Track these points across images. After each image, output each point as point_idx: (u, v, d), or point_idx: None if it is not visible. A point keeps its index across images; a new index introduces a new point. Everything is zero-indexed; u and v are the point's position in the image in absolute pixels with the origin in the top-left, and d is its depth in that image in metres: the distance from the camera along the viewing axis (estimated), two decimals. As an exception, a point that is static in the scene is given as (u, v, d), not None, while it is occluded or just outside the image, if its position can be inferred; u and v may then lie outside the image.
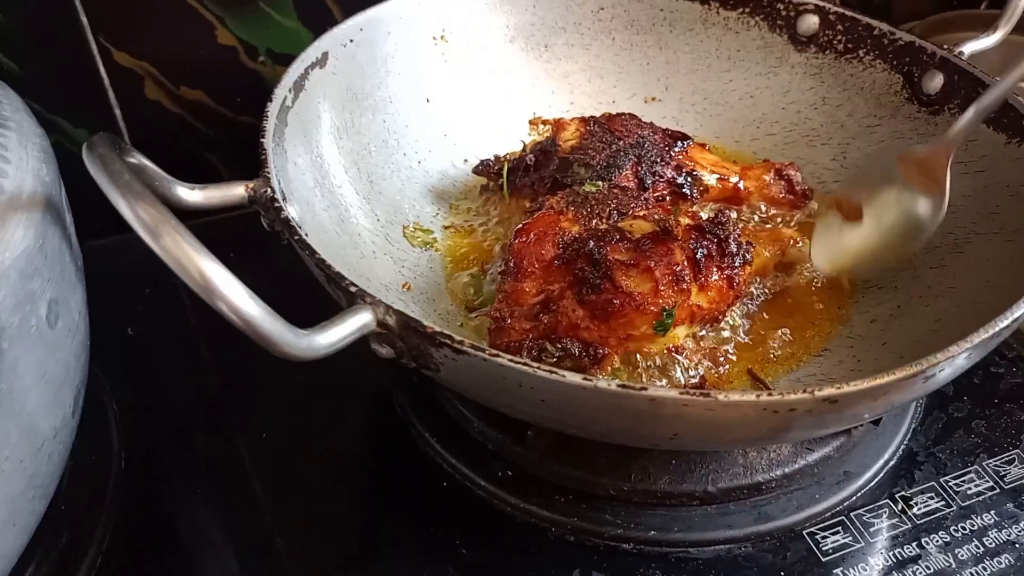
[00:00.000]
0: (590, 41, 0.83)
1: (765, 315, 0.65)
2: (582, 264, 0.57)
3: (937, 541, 0.57)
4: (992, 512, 0.59)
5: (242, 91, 0.84)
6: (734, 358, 0.62)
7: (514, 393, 0.44)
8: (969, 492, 0.60)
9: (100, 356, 0.55)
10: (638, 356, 0.58)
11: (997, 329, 0.47)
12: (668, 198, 0.70)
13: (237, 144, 0.86)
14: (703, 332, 0.62)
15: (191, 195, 0.50)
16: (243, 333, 0.38)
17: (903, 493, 0.60)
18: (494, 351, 0.43)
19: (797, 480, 0.59)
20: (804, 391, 0.42)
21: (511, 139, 0.77)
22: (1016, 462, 0.62)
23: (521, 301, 0.58)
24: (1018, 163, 0.64)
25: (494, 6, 0.80)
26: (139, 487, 0.60)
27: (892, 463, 0.62)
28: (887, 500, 0.59)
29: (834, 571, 0.55)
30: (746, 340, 0.63)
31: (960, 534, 0.57)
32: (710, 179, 0.72)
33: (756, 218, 0.74)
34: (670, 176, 0.70)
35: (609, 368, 0.57)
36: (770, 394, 0.42)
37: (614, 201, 0.63)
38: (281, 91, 0.61)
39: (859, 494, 0.60)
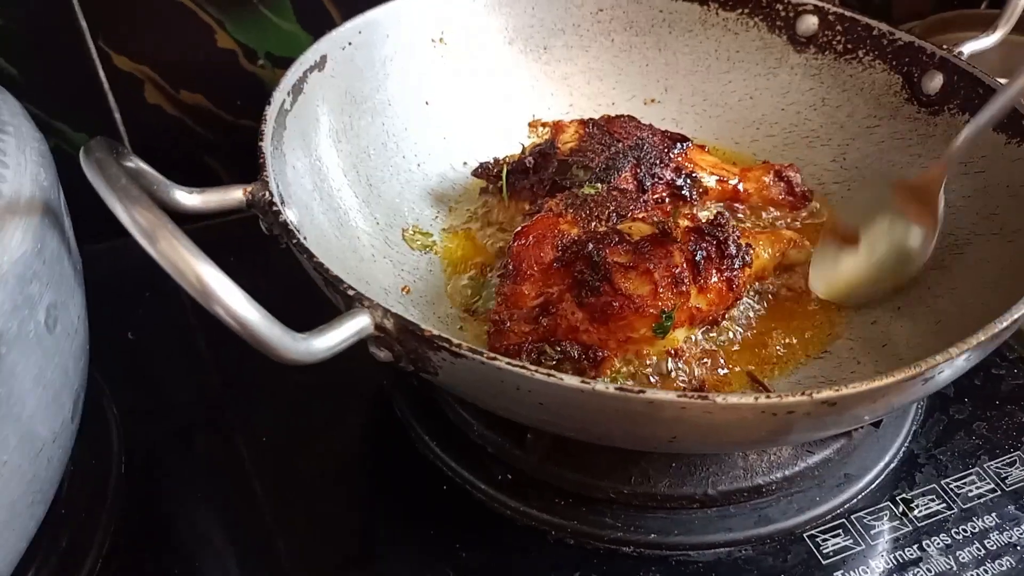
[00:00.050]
0: (589, 43, 0.83)
1: (765, 317, 0.65)
2: (581, 267, 0.57)
3: (938, 543, 0.57)
4: (993, 514, 0.58)
5: (241, 94, 0.85)
6: (734, 360, 0.62)
7: (512, 396, 0.44)
8: (970, 494, 0.60)
9: (100, 360, 0.55)
10: (637, 359, 0.58)
11: (997, 330, 0.47)
12: (667, 200, 0.69)
13: (237, 148, 0.86)
14: (703, 334, 0.62)
15: (189, 199, 0.50)
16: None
17: (904, 495, 0.60)
18: (492, 354, 0.43)
19: (797, 483, 0.59)
20: (803, 393, 0.42)
21: (510, 141, 0.77)
22: (1017, 464, 0.62)
23: (520, 304, 0.58)
24: (1018, 163, 0.64)
25: (493, 8, 0.80)
26: (139, 490, 0.60)
27: (893, 465, 0.62)
28: (888, 502, 0.59)
29: (835, 574, 0.55)
30: (746, 341, 0.63)
31: (961, 536, 0.57)
32: (709, 181, 0.72)
33: (756, 220, 0.73)
34: (669, 178, 0.70)
35: (608, 371, 0.57)
36: (768, 397, 0.42)
37: (613, 203, 0.63)
38: (279, 94, 0.61)
39: (860, 496, 0.60)
